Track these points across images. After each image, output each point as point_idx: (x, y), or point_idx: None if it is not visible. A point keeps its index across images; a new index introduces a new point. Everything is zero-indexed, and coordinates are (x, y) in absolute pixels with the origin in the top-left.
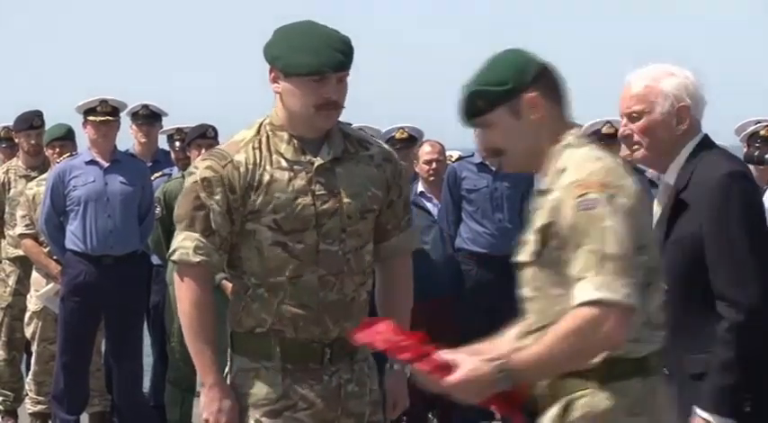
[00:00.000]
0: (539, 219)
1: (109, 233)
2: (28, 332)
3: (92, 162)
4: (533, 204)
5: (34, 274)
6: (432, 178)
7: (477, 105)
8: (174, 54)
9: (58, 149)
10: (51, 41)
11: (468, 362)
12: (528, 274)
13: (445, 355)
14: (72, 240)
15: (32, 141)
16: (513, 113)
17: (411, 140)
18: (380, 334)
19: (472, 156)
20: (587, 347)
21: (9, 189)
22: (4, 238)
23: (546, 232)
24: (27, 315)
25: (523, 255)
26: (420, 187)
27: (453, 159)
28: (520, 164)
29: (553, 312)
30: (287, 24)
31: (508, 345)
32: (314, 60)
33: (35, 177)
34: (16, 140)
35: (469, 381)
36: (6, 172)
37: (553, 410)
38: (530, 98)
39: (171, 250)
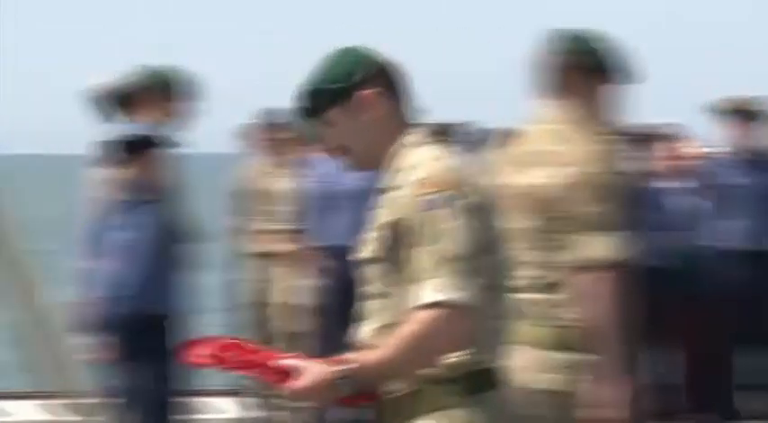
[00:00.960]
0: (385, 215)
1: None
2: (279, 327)
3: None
4: (378, 201)
5: (281, 269)
6: None
7: (314, 105)
8: None
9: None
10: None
11: (311, 368)
12: (374, 271)
13: (284, 362)
14: (333, 236)
15: (280, 137)
16: (348, 112)
17: None
18: (214, 353)
19: None
20: (430, 350)
21: (261, 185)
22: (260, 233)
23: (392, 229)
24: (276, 309)
25: (368, 251)
26: None
27: None
28: (362, 162)
29: (402, 310)
30: None
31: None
32: None
33: (284, 173)
34: (263, 136)
35: (311, 387)
36: (257, 167)
37: None
38: (364, 96)
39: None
